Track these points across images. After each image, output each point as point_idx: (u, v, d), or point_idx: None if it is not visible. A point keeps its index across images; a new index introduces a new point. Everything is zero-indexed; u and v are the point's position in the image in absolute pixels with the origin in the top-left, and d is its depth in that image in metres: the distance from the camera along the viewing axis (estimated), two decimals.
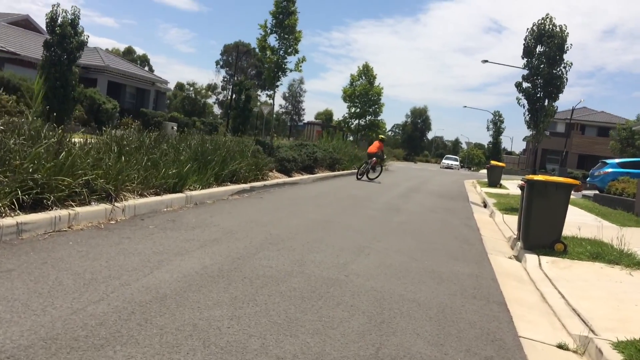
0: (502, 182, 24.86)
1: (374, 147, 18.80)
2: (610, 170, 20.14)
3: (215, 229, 6.49)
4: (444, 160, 59.97)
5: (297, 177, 14.45)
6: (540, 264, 7.13)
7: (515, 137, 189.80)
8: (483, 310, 4.76)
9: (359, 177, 18.40)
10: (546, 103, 14.62)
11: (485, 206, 15.66)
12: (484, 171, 56.79)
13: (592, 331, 4.49)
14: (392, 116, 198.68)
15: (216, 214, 7.59)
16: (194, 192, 8.30)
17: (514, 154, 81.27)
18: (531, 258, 7.31)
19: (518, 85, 14.73)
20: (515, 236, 9.00)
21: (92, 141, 7.63)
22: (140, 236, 5.65)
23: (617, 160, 21.26)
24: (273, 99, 18.54)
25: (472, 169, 64.76)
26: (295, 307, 4.05)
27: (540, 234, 7.75)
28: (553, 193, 7.75)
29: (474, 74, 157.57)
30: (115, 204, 6.32)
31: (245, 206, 8.83)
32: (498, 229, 10.70)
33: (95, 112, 26.71)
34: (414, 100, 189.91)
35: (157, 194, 7.40)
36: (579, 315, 4.96)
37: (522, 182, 8.87)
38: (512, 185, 26.03)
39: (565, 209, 7.80)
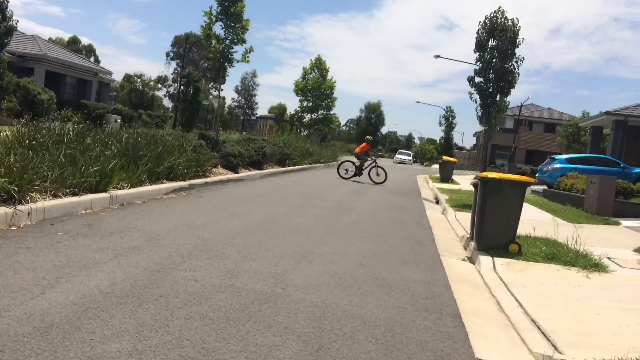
0: (454, 177, 24.84)
1: (360, 148, 18.49)
2: (558, 165, 20.32)
3: (138, 235, 5.71)
4: (397, 155, 60.19)
5: (243, 174, 13.69)
6: (494, 266, 6.71)
7: (466, 133, 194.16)
8: (436, 325, 4.22)
9: (343, 175, 18.01)
10: (498, 98, 14.41)
11: (437, 202, 15.37)
12: (436, 166, 57.41)
13: (555, 348, 4.03)
14: (348, 111, 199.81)
15: (143, 216, 6.80)
16: (120, 192, 7.45)
17: (464, 150, 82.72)
18: (485, 260, 6.89)
19: (470, 80, 14.45)
20: (468, 236, 8.60)
21: (1, 134, 6.68)
22: (43, 245, 4.82)
23: (565, 156, 21.51)
24: (219, 91, 17.64)
25: (424, 163, 65.44)
26: (216, 334, 3.38)
27: (494, 234, 7.35)
28: (507, 192, 7.36)
29: (426, 70, 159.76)
30: (19, 206, 5.44)
31: (179, 206, 8.05)
32: (450, 227, 10.33)
33: (29, 103, 24.98)
34: (368, 96, 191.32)
35: (75, 194, 6.53)
36: (539, 327, 4.50)
37: (476, 180, 8.48)
38: (463, 181, 26.09)
39: (520, 208, 7.43)
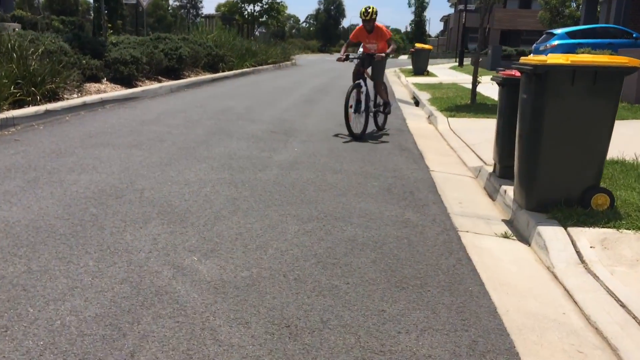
0: (429, 68, 20.88)
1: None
2: (558, 42, 16.51)
3: None
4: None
5: (142, 88, 9.53)
6: (580, 255, 3.15)
7: (432, 19, 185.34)
8: None
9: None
10: None
11: (417, 104, 11.59)
12: (403, 57, 52.94)
13: None
14: (305, 6, 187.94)
15: None
16: None
17: (431, 37, 77.63)
18: (555, 238, 3.31)
19: None
20: (490, 166, 4.97)
21: None
22: None
23: (565, 30, 17.61)
24: None
25: (390, 56, 60.70)
26: None
27: (559, 177, 3.72)
28: (588, 93, 3.63)
29: None
30: None
31: None
32: (449, 149, 6.66)
33: None
34: None
35: None
36: None
37: (510, 73, 4.72)
38: (441, 72, 22.17)
39: (612, 124, 3.74)
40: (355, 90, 6.86)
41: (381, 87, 7.36)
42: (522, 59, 4.07)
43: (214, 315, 2.33)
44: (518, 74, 4.58)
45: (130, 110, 7.70)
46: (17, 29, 23.53)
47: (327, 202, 4.07)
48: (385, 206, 4.05)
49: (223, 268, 2.81)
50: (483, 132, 7.34)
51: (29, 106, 6.30)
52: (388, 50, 7.10)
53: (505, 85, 4.77)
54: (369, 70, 7.21)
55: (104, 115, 7.19)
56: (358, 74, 7.02)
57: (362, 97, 6.87)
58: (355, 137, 6.68)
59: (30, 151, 4.84)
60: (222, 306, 2.41)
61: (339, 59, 7.18)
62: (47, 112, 6.30)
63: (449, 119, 8.50)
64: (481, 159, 5.73)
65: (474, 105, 9.88)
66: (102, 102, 7.67)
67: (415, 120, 8.99)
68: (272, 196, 4.11)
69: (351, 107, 6.76)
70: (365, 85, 6.89)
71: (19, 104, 6.28)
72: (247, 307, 2.42)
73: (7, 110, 5.89)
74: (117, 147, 5.30)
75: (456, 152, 6.43)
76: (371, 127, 7.27)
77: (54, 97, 7.00)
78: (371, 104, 7.22)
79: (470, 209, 4.24)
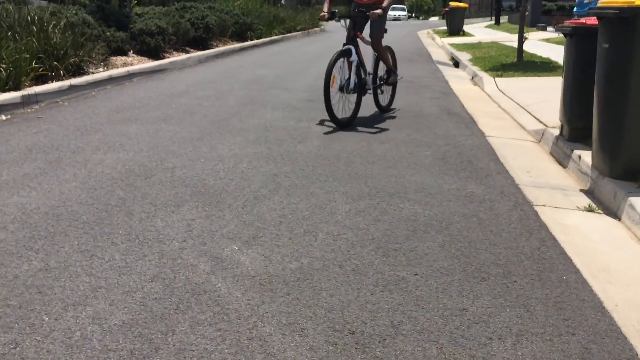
0: (465, 27, 19.86)
1: None
2: None
3: None
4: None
5: (170, 59, 9.13)
6: None
7: None
8: None
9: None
10: None
11: (457, 65, 10.89)
12: (434, 19, 51.14)
13: None
14: None
15: None
16: None
17: None
18: None
19: None
20: (557, 128, 4.41)
21: None
22: None
23: None
24: None
25: (420, 18, 58.88)
26: None
27: None
28: None
29: None
30: None
31: None
32: (502, 111, 6.08)
33: None
34: None
35: None
36: None
37: (580, 22, 4.15)
38: (477, 31, 21.11)
39: None
40: (341, 60, 4.93)
41: (384, 50, 5.44)
42: (601, 2, 3.47)
43: (262, 320, 1.94)
44: (590, 21, 3.99)
45: (158, 83, 7.32)
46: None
47: (377, 176, 3.62)
48: (443, 178, 3.57)
49: (268, 259, 2.41)
50: (537, 91, 6.70)
51: (52, 82, 5.97)
52: (384, 4, 5.08)
53: (574, 35, 4.17)
54: (366, 30, 5.30)
55: (131, 88, 6.83)
56: (351, 40, 5.09)
57: (352, 70, 4.96)
58: (340, 125, 4.88)
59: (54, 129, 4.52)
60: (271, 308, 2.02)
61: (321, 17, 5.38)
62: (72, 88, 5.96)
63: (496, 79, 7.85)
64: (540, 122, 5.15)
65: (522, 64, 9.16)
66: (129, 75, 7.30)
67: (458, 82, 8.36)
68: (315, 171, 3.68)
69: (334, 83, 4.85)
70: (358, 52, 5.02)
71: (42, 79, 5.96)
72: (301, 308, 2.02)
73: (30, 86, 5.58)
74: (145, 122, 4.93)
75: (510, 114, 5.85)
76: (367, 110, 5.51)
77: (78, 71, 6.67)
78: (369, 78, 5.30)
79: (541, 178, 3.72)
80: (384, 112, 5.69)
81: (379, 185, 3.42)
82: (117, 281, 2.17)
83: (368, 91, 5.33)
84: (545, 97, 6.18)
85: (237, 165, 3.73)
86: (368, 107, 5.59)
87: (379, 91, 5.60)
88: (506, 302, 2.09)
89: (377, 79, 5.52)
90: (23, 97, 5.17)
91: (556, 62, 8.74)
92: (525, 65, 8.99)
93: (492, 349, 1.81)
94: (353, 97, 5.08)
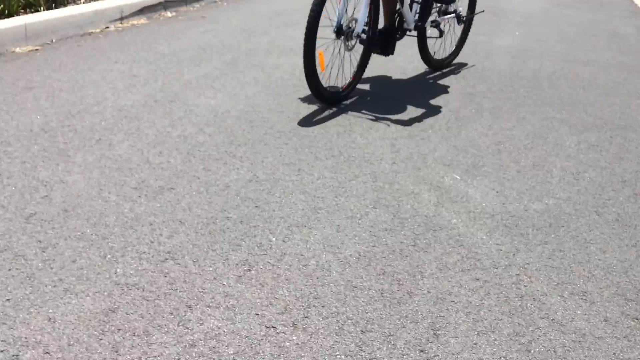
0: None
1: None
2: None
3: None
4: None
5: None
6: None
7: None
8: None
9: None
10: None
11: None
12: None
13: None
14: None
15: None
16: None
17: None
18: None
19: None
20: None
21: None
22: None
23: None
24: None
25: None
26: None
27: None
28: None
29: None
30: None
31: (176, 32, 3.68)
32: None
33: None
34: None
35: None
36: None
37: None
38: None
39: None
40: None
41: None
42: None
43: (525, 273, 1.58)
44: None
45: None
46: None
47: (595, 103, 3.01)
48: None
49: (502, 194, 2.02)
50: None
51: None
52: None
53: None
54: None
55: None
56: None
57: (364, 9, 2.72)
58: (327, 102, 2.75)
59: (220, 30, 4.30)
60: (531, 258, 1.65)
61: None
62: None
63: None
64: None
65: None
66: None
67: None
68: (516, 92, 3.15)
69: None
70: None
71: None
72: (569, 263, 1.63)
73: None
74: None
75: None
76: (400, 68, 3.48)
77: None
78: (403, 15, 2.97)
79: None
80: (438, 67, 3.43)
81: (601, 115, 2.84)
82: (336, 203, 1.91)
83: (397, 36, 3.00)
84: None
85: (425, 78, 3.29)
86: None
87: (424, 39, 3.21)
88: None
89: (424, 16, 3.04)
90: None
91: None
92: None
93: None
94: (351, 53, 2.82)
